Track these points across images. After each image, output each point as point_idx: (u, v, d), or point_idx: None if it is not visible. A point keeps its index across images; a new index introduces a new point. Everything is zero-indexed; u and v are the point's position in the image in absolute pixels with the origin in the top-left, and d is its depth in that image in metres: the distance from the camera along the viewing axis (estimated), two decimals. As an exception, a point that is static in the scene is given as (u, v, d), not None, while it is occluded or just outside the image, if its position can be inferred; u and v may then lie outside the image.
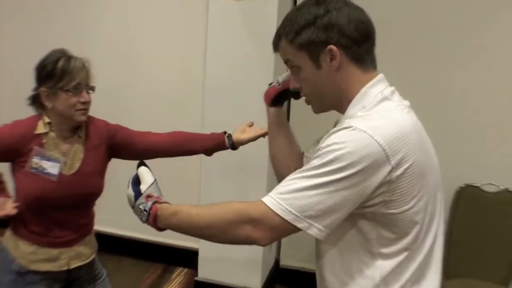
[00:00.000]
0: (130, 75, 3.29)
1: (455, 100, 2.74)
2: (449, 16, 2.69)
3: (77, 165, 1.75)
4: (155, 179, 1.25)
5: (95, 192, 1.82)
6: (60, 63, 1.66)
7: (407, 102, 1.13)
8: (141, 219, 1.20)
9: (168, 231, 1.19)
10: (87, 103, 1.71)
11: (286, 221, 1.00)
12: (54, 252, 1.76)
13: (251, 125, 1.76)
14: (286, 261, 3.20)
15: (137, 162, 1.31)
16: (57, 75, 1.65)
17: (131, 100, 3.30)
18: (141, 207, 1.18)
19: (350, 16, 1.07)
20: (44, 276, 1.76)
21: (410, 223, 1.04)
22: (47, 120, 1.71)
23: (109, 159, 1.87)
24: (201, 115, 2.87)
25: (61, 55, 1.69)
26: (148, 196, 1.20)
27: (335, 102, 1.14)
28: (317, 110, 1.19)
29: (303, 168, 1.04)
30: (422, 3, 2.72)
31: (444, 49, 2.72)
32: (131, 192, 1.22)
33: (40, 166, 1.67)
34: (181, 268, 3.36)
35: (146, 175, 1.25)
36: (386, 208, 1.02)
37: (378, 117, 1.03)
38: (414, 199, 1.02)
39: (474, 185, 2.70)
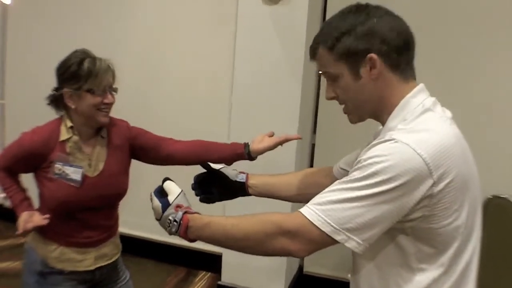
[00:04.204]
0: (157, 79, 3.33)
1: (481, 109, 2.71)
2: (471, 19, 2.67)
3: (101, 166, 1.76)
4: (182, 190, 1.24)
5: (120, 192, 1.84)
6: (86, 64, 1.65)
7: (449, 113, 1.11)
8: (169, 230, 1.17)
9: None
10: (110, 104, 1.72)
11: (324, 233, 0.98)
12: (80, 252, 1.77)
13: (271, 135, 1.72)
14: (310, 268, 3.18)
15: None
16: (83, 76, 1.65)
17: (158, 104, 3.33)
18: (170, 217, 1.16)
19: (391, 24, 1.06)
20: (67, 277, 1.77)
21: (450, 238, 1.02)
22: (69, 124, 1.71)
23: (131, 160, 1.88)
24: (228, 120, 2.88)
25: (85, 56, 1.68)
26: (178, 206, 1.18)
27: (374, 111, 1.12)
28: (353, 120, 1.16)
29: (343, 179, 1.02)
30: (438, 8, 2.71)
31: (470, 55, 2.69)
32: (157, 203, 1.20)
33: (63, 172, 1.68)
34: (204, 272, 3.38)
35: (173, 187, 1.23)
36: (426, 222, 1.00)
37: (421, 130, 1.00)
38: (455, 214, 1.00)
39: (502, 196, 2.66)
